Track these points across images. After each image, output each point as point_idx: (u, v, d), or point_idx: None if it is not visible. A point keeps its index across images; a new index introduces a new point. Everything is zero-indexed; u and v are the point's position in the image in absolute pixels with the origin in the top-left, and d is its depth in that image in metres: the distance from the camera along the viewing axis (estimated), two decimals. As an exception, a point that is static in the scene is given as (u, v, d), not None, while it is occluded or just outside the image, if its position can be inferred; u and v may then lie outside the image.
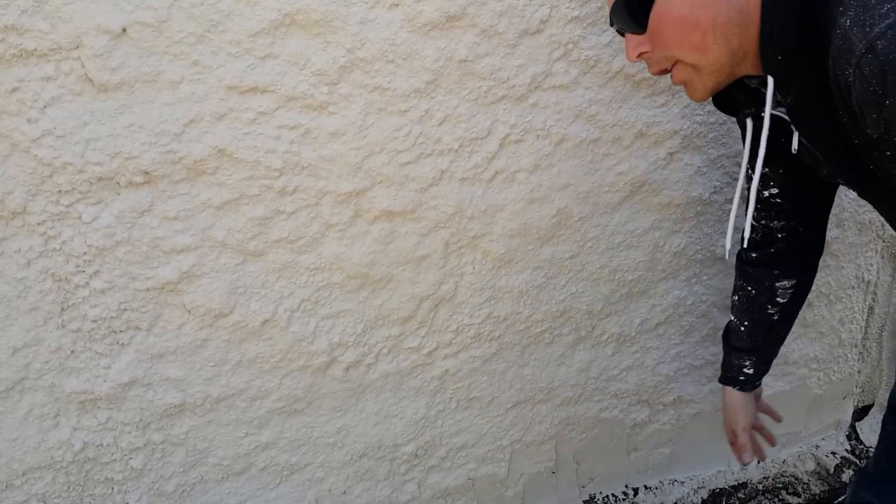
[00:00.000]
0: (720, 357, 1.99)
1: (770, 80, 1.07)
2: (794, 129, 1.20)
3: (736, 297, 1.60)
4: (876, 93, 0.91)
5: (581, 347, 1.84)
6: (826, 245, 1.92)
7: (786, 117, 1.17)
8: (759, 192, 1.35)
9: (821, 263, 1.96)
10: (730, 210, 1.60)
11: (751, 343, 1.61)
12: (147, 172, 1.29)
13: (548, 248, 1.67)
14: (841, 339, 2.18)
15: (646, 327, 1.87)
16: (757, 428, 1.72)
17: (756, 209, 1.40)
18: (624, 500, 2.11)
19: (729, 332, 1.66)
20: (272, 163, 1.36)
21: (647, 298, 1.83)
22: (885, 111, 0.92)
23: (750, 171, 1.34)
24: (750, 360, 1.63)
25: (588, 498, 2.09)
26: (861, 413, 2.47)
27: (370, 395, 1.67)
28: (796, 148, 1.25)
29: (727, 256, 1.46)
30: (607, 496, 2.11)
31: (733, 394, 1.68)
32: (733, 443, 1.72)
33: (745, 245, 1.47)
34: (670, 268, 1.80)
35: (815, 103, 1.06)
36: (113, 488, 1.56)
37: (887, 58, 0.87)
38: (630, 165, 1.63)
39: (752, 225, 1.42)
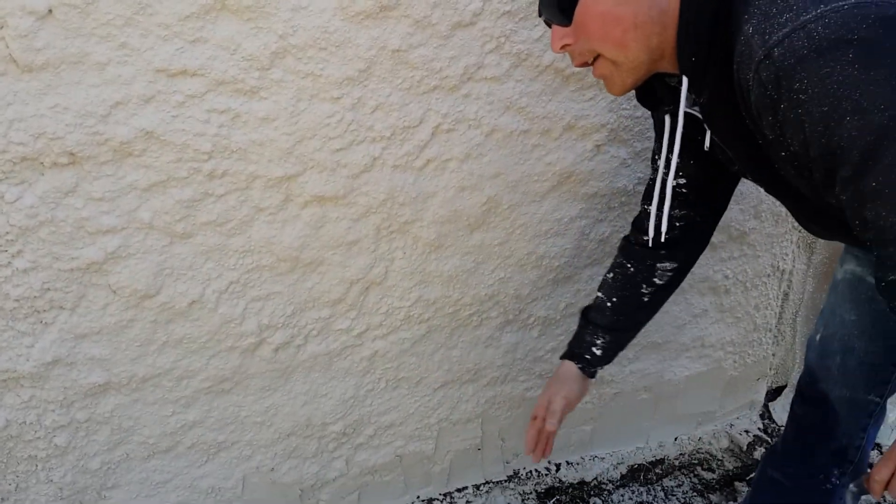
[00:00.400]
0: (641, 339, 2.06)
1: (685, 79, 1.12)
2: (706, 127, 1.25)
3: (611, 275, 1.59)
4: (771, 97, 0.97)
5: (508, 330, 1.89)
6: (743, 235, 2.02)
7: (699, 115, 1.23)
8: (664, 180, 1.38)
9: (737, 252, 2.05)
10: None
11: (612, 321, 1.58)
12: (72, 153, 1.27)
13: (477, 235, 1.70)
14: (756, 324, 2.28)
15: (571, 311, 1.93)
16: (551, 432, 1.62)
17: (660, 197, 1.42)
18: (546, 475, 2.20)
19: (590, 309, 1.62)
20: (201, 146, 1.35)
21: (573, 283, 1.89)
22: (779, 114, 0.98)
23: (665, 167, 1.37)
24: (604, 339, 1.59)
25: (512, 473, 2.17)
26: (774, 394, 2.60)
27: (299, 376, 1.69)
28: (708, 145, 1.31)
29: (650, 244, 1.49)
30: (530, 471, 2.19)
31: (571, 370, 1.61)
32: (536, 420, 1.61)
33: (661, 238, 1.50)
34: (595, 255, 1.86)
35: (725, 104, 1.11)
36: (37, 465, 1.56)
37: (782, 64, 0.92)
38: (558, 156, 1.67)
39: (655, 212, 1.43)
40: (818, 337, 1.61)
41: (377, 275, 1.64)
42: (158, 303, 1.48)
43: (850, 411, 1.57)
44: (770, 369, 2.47)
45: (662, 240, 1.47)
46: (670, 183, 1.33)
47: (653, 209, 1.41)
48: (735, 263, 2.06)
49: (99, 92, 1.24)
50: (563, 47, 1.16)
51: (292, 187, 1.46)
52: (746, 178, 1.39)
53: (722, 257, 2.02)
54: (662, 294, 1.59)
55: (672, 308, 2.05)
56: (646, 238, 1.49)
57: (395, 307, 1.70)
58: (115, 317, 1.45)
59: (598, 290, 1.61)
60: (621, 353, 2.01)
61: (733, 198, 1.92)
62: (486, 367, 1.92)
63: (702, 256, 1.98)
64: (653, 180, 1.47)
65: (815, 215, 1.34)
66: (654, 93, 1.27)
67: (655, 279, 1.55)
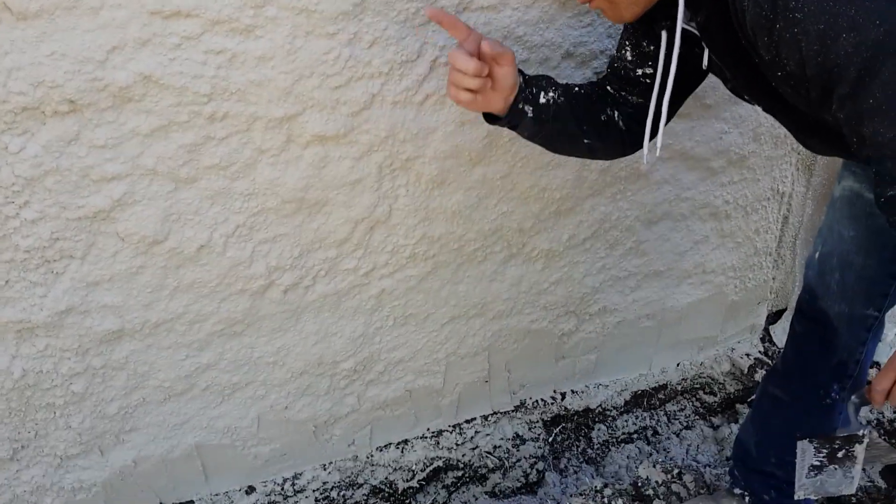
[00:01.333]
0: (643, 268, 2.09)
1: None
2: (704, 46, 1.25)
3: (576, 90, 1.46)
4: (767, 17, 0.98)
5: (512, 264, 1.91)
6: (742, 159, 2.02)
7: (697, 33, 1.22)
8: (660, 98, 1.37)
9: (737, 177, 2.05)
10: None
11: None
12: (72, 101, 1.26)
13: (479, 169, 1.70)
14: (756, 248, 2.30)
15: (573, 242, 1.94)
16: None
17: (655, 115, 1.40)
18: (552, 403, 2.25)
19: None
20: (200, 88, 1.35)
21: (575, 215, 1.90)
22: (775, 34, 0.99)
23: (661, 84, 1.34)
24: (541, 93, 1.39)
25: (519, 403, 2.22)
26: (775, 317, 2.65)
27: (309, 316, 1.72)
28: (706, 64, 1.30)
29: (646, 166, 1.48)
30: (537, 401, 2.24)
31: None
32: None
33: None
34: (596, 185, 1.87)
35: (723, 23, 1.11)
36: (55, 412, 1.59)
37: None
38: (558, 86, 1.66)
39: (650, 133, 1.39)
40: (817, 255, 1.64)
41: (381, 213, 1.65)
42: (167, 248, 1.49)
43: (849, 326, 1.61)
44: (770, 293, 2.51)
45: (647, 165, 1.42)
46: (666, 99, 1.32)
47: (647, 130, 1.39)
48: (735, 188, 2.07)
49: (95, 37, 1.23)
50: None
51: (293, 127, 1.46)
52: (742, 97, 1.39)
53: (722, 182, 2.03)
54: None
55: (673, 235, 2.06)
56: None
57: (400, 245, 1.72)
58: (125, 264, 1.47)
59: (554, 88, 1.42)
60: (624, 283, 2.04)
61: (733, 121, 1.93)
62: (492, 301, 1.95)
63: (701, 182, 2.00)
64: (612, 71, 1.46)
65: (813, 131, 1.34)
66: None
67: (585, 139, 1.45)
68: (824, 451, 1.45)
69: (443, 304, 1.87)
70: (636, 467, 2.18)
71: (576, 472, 2.24)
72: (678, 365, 2.43)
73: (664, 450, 2.38)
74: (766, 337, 2.60)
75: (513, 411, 2.21)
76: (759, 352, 2.54)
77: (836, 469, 1.47)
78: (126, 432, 1.70)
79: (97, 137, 1.32)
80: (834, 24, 0.91)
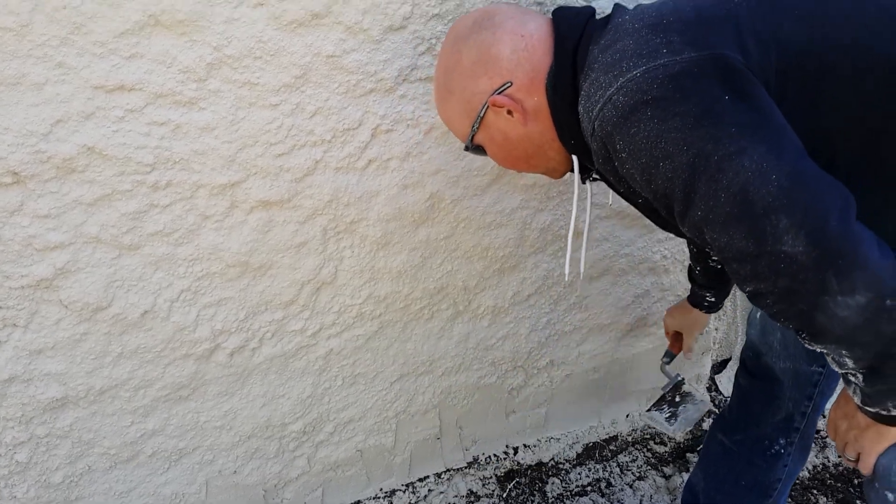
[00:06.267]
0: (587, 323, 2.14)
1: (574, 158, 1.29)
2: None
3: (690, 246, 1.78)
4: (607, 160, 1.14)
5: (459, 321, 1.95)
6: (678, 217, 2.10)
7: (600, 179, 1.38)
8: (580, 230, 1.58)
9: (675, 234, 2.13)
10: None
11: (706, 281, 1.80)
12: (15, 173, 1.29)
13: (423, 230, 1.75)
14: (697, 301, 2.37)
15: (518, 299, 1.99)
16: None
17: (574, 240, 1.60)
18: (505, 458, 2.26)
19: (690, 271, 1.84)
20: (143, 158, 1.38)
21: (519, 272, 1.95)
22: (617, 172, 1.14)
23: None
24: (709, 292, 1.83)
25: (472, 459, 2.23)
26: (719, 367, 2.71)
27: (256, 378, 1.73)
28: (611, 202, 1.56)
29: (567, 281, 1.61)
30: (489, 456, 2.25)
31: (696, 310, 1.89)
32: (676, 342, 2.03)
33: (580, 278, 1.66)
34: (538, 243, 1.92)
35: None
36: (-2, 484, 1.57)
37: (602, 133, 1.09)
38: (496, 150, 1.73)
39: (571, 253, 1.60)
40: (758, 314, 1.70)
41: (327, 275, 1.68)
42: (111, 315, 1.50)
43: (795, 381, 1.65)
44: (714, 343, 2.57)
45: (580, 281, 1.63)
46: (586, 232, 1.50)
47: (568, 251, 1.50)
48: (672, 244, 2.15)
49: (39, 111, 1.26)
50: None
51: (237, 194, 1.49)
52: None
53: (659, 238, 2.10)
54: None
55: (615, 290, 2.13)
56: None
57: (346, 305, 1.75)
58: (69, 331, 1.47)
59: (689, 258, 1.84)
60: (570, 337, 2.10)
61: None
62: (440, 359, 1.98)
63: (640, 239, 2.08)
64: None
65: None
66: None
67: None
68: (665, 406, 2.02)
69: (391, 363, 1.90)
70: (589, 520, 2.19)
71: (529, 528, 2.24)
72: (627, 416, 2.47)
73: (618, 501, 2.39)
74: (713, 386, 2.65)
75: (466, 468, 2.22)
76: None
77: (683, 408, 2.00)
78: (73, 501, 1.67)
79: (40, 207, 1.34)
80: (651, 156, 1.03)
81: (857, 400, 1.12)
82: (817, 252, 0.95)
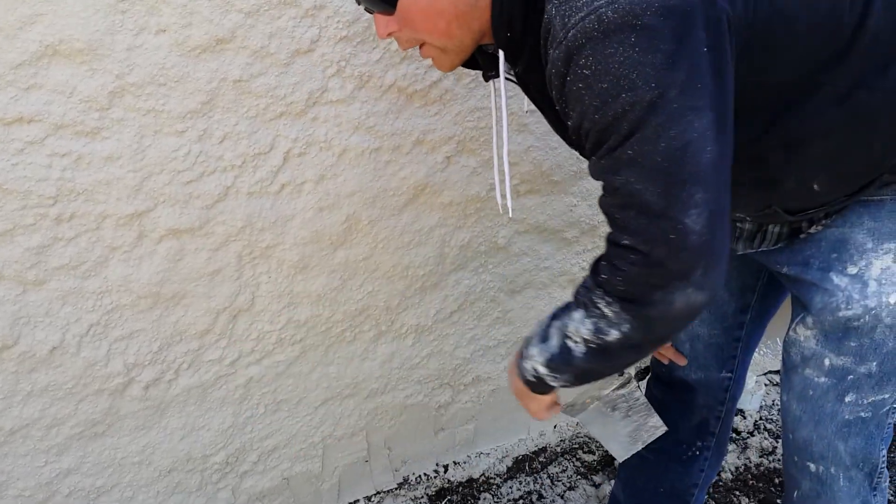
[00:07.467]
0: (511, 336, 2.16)
1: (501, 52, 1.21)
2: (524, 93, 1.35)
3: None
4: (561, 72, 1.05)
5: (382, 341, 1.94)
6: (594, 228, 2.14)
7: (516, 82, 1.31)
8: (500, 150, 1.45)
9: (591, 245, 2.17)
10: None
11: None
12: None
13: (342, 252, 1.75)
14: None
15: (441, 316, 2.00)
16: None
17: (500, 167, 1.48)
18: (435, 477, 2.26)
19: None
20: (45, 191, 1.34)
21: (440, 290, 1.96)
22: (565, 87, 1.06)
23: (496, 134, 1.42)
24: None
25: (402, 480, 2.22)
26: (643, 373, 2.76)
27: (174, 411, 1.69)
28: (526, 109, 1.41)
29: (510, 214, 1.52)
30: (420, 476, 2.25)
31: None
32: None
33: (510, 212, 1.54)
34: (458, 260, 1.94)
35: (537, 74, 1.20)
36: None
37: (573, 44, 1.00)
38: (411, 170, 1.74)
39: (498, 186, 1.49)
40: None
41: (244, 301, 1.66)
42: (18, 353, 1.45)
43: (707, 389, 1.70)
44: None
45: (510, 214, 1.52)
46: (506, 150, 1.37)
47: (496, 182, 1.46)
48: (590, 255, 2.19)
49: (-73, 145, 1.22)
50: (389, 34, 1.21)
51: (145, 223, 1.46)
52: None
53: (577, 251, 2.14)
54: None
55: (537, 303, 2.16)
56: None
57: (265, 331, 1.73)
58: (-30, 373, 1.42)
59: None
60: (495, 351, 2.11)
61: (581, 195, 2.06)
62: (365, 380, 1.97)
63: (558, 252, 2.11)
64: None
65: None
66: (475, 61, 1.35)
67: None
68: (620, 409, 1.52)
69: (314, 388, 1.88)
70: (521, 534, 2.21)
71: (463, 545, 2.24)
72: (555, 427, 2.50)
73: (551, 512, 2.42)
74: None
75: (396, 489, 2.21)
76: (633, 408, 2.64)
77: (637, 419, 1.55)
78: (-20, 550, 1.60)
79: (-66, 245, 1.29)
80: (616, 84, 0.98)
81: (539, 360, 1.14)
82: (706, 238, 0.96)
